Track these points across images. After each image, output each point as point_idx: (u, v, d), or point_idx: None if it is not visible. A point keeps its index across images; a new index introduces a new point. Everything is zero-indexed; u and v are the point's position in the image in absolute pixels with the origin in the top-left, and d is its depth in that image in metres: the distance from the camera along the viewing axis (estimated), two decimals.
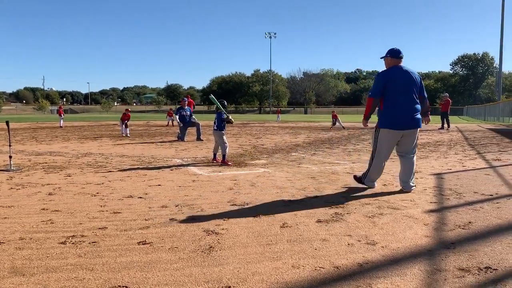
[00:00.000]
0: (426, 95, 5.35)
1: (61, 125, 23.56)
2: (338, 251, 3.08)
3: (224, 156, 7.82)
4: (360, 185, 5.47)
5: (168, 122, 25.18)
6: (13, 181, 5.96)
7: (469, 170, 7.15)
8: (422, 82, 5.36)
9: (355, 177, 5.66)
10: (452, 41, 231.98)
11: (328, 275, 2.65)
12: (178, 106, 14.38)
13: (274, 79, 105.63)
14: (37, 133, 17.80)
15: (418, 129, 5.26)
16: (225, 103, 8.31)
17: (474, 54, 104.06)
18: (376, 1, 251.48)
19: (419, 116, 5.20)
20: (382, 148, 5.24)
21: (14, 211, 4.24)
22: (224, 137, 7.94)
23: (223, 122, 8.05)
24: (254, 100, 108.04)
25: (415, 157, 5.37)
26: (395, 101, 5.11)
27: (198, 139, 13.44)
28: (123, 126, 15.84)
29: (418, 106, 5.21)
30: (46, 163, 7.98)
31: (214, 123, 8.10)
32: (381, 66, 5.39)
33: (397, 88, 5.10)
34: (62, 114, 24.52)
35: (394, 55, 5.25)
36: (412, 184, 5.31)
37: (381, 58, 5.43)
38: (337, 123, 21.81)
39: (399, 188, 5.40)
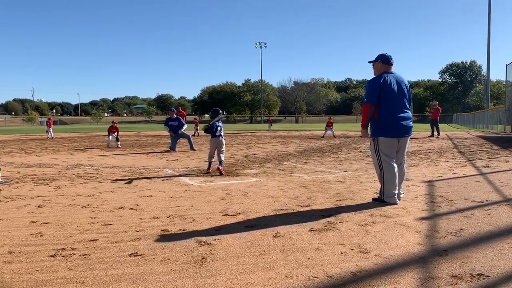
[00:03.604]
0: (411, 103, 5.31)
1: (52, 136, 23.42)
2: (331, 260, 3.07)
3: (221, 162, 7.99)
4: (382, 204, 4.95)
5: (195, 132, 24.91)
6: (1, 194, 5.87)
7: (459, 177, 7.20)
8: (410, 90, 5.29)
9: (374, 199, 5.17)
10: (440, 50, 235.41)
11: (321, 284, 2.64)
12: (167, 117, 14.40)
13: (265, 88, 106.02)
14: (26, 144, 17.62)
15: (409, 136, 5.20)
16: (219, 111, 8.46)
17: (462, 62, 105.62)
18: (365, 11, 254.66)
19: (411, 123, 5.13)
20: (387, 155, 4.98)
21: (3, 224, 4.17)
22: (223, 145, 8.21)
23: (214, 129, 8.12)
24: (245, 109, 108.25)
25: (406, 167, 5.30)
26: (390, 108, 4.95)
27: (192, 149, 13.47)
28: (110, 137, 15.76)
29: (410, 113, 5.13)
30: (35, 175, 7.89)
31: (216, 130, 8.13)
32: (370, 75, 5.25)
33: (391, 95, 4.94)
34: (51, 126, 24.39)
35: (385, 61, 5.10)
36: (401, 193, 5.21)
37: (369, 62, 5.26)
38: (329, 131, 21.92)
39: None
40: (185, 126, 14.15)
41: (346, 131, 30.50)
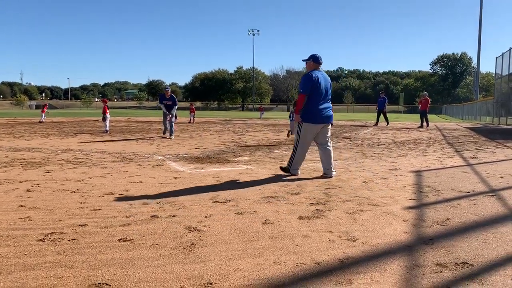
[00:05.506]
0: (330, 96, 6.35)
1: (41, 120, 23.14)
2: (319, 247, 3.11)
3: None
4: (286, 174, 6.20)
5: (190, 119, 24.58)
6: None
7: (447, 167, 7.29)
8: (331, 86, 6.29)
9: (281, 168, 6.38)
10: (432, 41, 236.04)
11: (309, 271, 2.67)
12: (161, 93, 14.13)
13: (257, 76, 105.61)
14: (15, 128, 17.42)
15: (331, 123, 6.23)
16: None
17: (453, 54, 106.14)
18: (358, 1, 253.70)
19: (331, 112, 6.15)
20: (305, 139, 6.11)
21: None
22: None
23: None
24: (237, 97, 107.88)
25: (331, 147, 6.28)
26: (316, 99, 5.92)
27: (169, 134, 13.13)
28: (106, 122, 15.37)
29: (331, 104, 6.18)
30: (24, 159, 7.82)
31: (291, 116, 11.30)
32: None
33: (319, 88, 5.90)
34: (44, 111, 24.05)
35: (316, 60, 6.07)
36: (333, 171, 6.17)
37: (303, 60, 6.19)
38: None
39: (376, 183, 5.51)
40: (176, 106, 13.71)
41: (337, 120, 30.59)
